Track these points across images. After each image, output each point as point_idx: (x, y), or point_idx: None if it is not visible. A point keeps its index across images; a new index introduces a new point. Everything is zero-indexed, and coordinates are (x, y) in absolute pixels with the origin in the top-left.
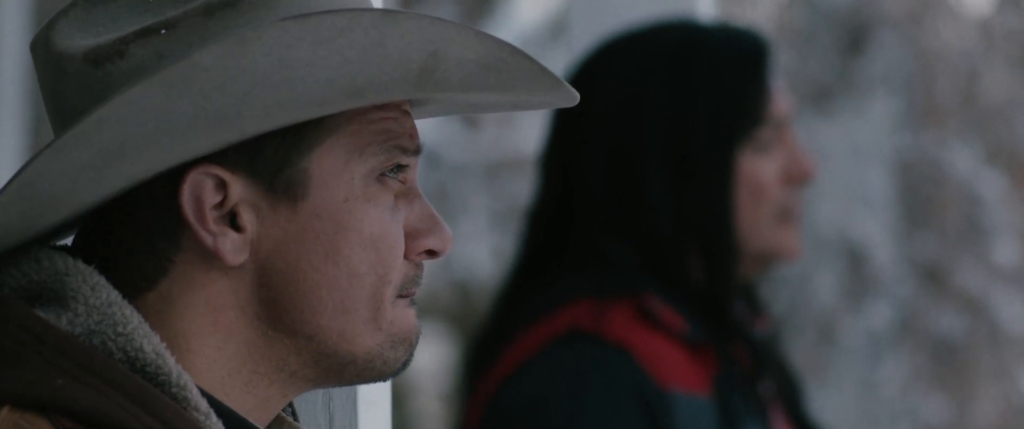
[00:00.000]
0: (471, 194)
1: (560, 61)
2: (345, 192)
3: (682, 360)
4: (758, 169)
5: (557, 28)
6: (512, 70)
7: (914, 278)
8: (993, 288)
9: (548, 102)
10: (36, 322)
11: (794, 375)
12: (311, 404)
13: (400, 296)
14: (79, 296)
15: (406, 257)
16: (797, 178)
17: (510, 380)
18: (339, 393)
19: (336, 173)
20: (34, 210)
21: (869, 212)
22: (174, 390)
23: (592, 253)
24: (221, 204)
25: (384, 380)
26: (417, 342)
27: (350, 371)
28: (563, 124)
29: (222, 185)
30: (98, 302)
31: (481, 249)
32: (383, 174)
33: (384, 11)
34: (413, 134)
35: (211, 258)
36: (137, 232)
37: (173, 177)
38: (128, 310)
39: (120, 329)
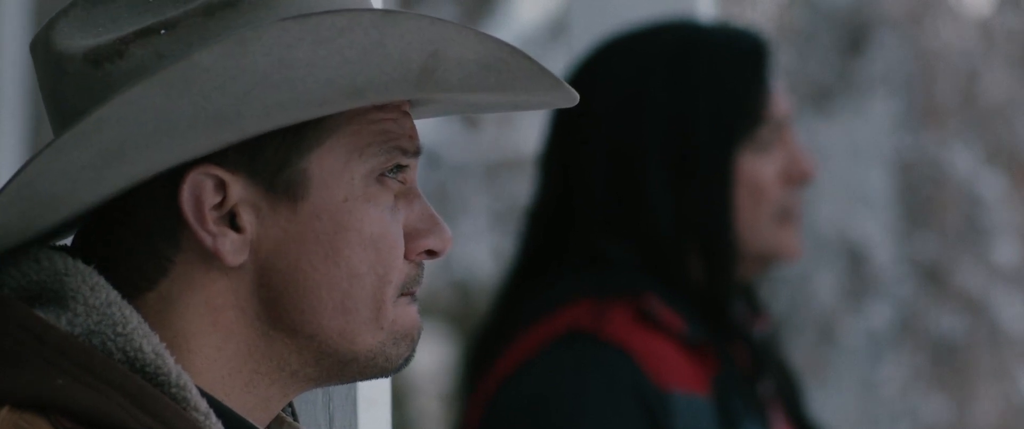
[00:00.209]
0: (471, 194)
1: (560, 61)
2: (345, 192)
3: (682, 360)
4: (758, 169)
5: (557, 28)
6: (512, 70)
7: (914, 278)
8: (993, 288)
9: (548, 102)
10: (36, 322)
11: (794, 375)
12: (311, 404)
13: (402, 294)
14: (79, 296)
15: (406, 257)
16: (797, 178)
17: (510, 380)
18: (339, 393)
19: (336, 173)
20: (34, 210)
21: (869, 212)
22: (173, 390)
23: (592, 253)
24: (221, 204)
25: (386, 376)
26: (419, 338)
27: (351, 369)
28: (563, 124)
29: (222, 185)
30: (97, 302)
31: (481, 249)
32: (383, 174)
33: (384, 11)
34: (413, 135)
35: (211, 258)
36: (137, 232)
37: (173, 177)
38: (128, 310)
39: (120, 329)
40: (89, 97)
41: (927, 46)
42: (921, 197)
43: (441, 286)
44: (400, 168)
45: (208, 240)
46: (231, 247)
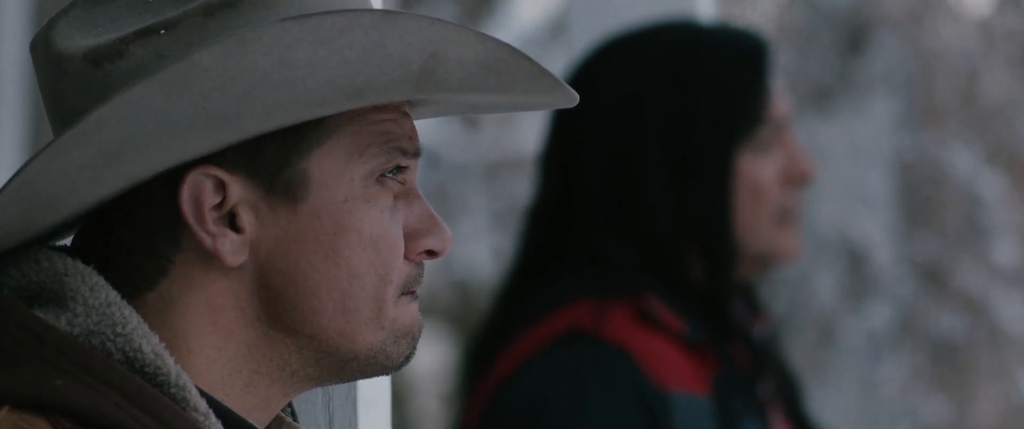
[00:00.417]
0: (471, 194)
1: (560, 61)
2: (345, 193)
3: (681, 361)
4: (758, 170)
5: (557, 28)
6: (512, 71)
7: (914, 278)
8: (993, 288)
9: (548, 103)
10: (35, 322)
11: (794, 375)
12: (311, 404)
13: (403, 293)
14: (78, 296)
15: (406, 257)
16: (797, 179)
17: (510, 380)
18: (339, 393)
19: (336, 174)
20: (34, 210)
21: (869, 212)
22: (173, 390)
23: (592, 253)
24: (220, 205)
25: (387, 374)
26: (419, 336)
27: (352, 367)
28: (563, 124)
29: (221, 186)
30: (97, 302)
31: (481, 249)
32: (383, 175)
33: (384, 12)
34: (413, 136)
35: (211, 259)
36: (137, 232)
37: (173, 177)
38: (127, 310)
39: (119, 329)
40: (89, 97)
41: (927, 46)
42: (921, 197)
43: (441, 286)
44: (400, 169)
45: (208, 240)
46: (231, 247)
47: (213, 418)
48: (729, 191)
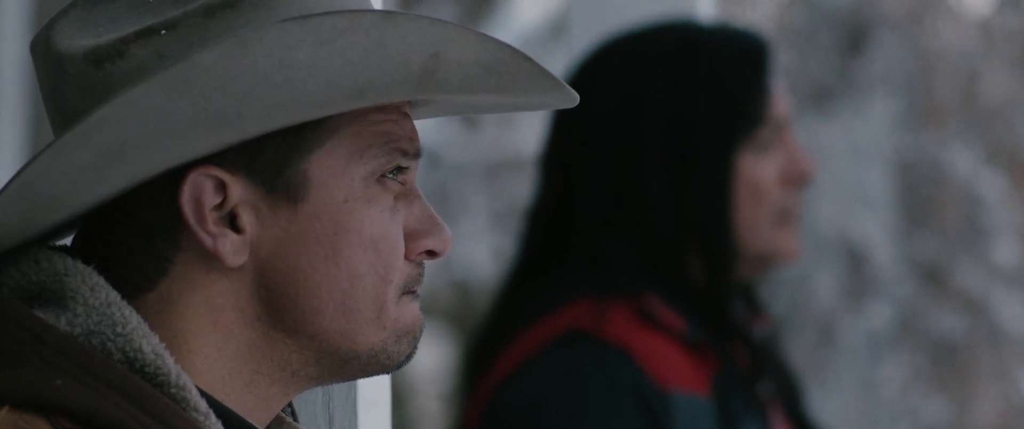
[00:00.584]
0: (471, 194)
1: (560, 61)
2: (345, 193)
3: (682, 360)
4: (758, 170)
5: (557, 28)
6: (512, 72)
7: (914, 278)
8: (993, 288)
9: (548, 103)
10: (36, 322)
11: (794, 375)
12: (311, 404)
13: (404, 293)
14: (78, 296)
15: (407, 258)
16: (797, 179)
17: (510, 380)
18: (339, 393)
19: (336, 174)
20: (34, 210)
21: (869, 212)
22: (173, 390)
23: (592, 253)
24: (221, 205)
25: (387, 373)
26: (421, 335)
27: (353, 366)
28: (563, 124)
29: (222, 186)
30: (97, 302)
31: (481, 249)
32: (383, 176)
33: (384, 12)
34: (413, 136)
35: (211, 259)
36: (137, 232)
37: (173, 178)
38: (127, 310)
39: (119, 329)
40: (89, 97)
41: (927, 46)
42: (921, 197)
43: (441, 286)
44: (400, 170)
45: (208, 241)
46: (231, 248)
47: (213, 418)
48: (729, 191)
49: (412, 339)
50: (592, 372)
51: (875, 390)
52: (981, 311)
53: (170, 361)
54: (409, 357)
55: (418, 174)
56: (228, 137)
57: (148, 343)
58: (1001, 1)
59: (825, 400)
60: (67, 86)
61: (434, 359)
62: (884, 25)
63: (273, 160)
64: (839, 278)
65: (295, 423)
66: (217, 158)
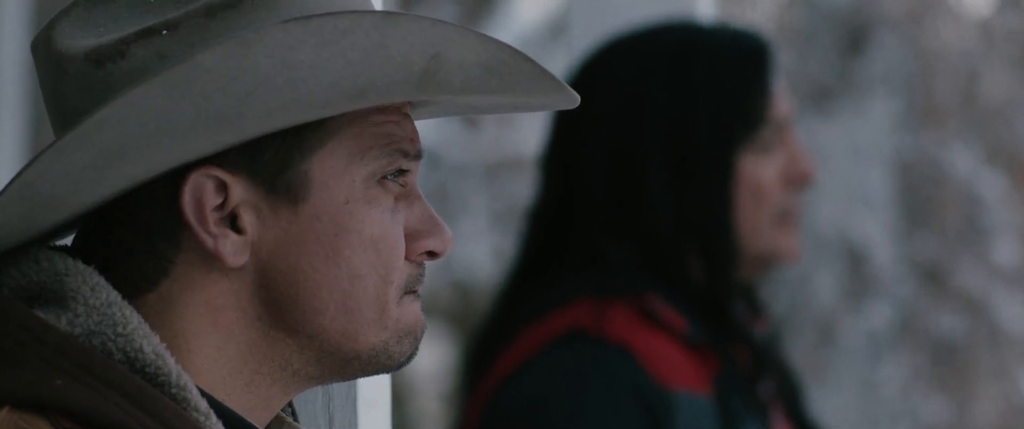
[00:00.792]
0: (471, 194)
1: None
2: (346, 194)
3: (683, 360)
4: (759, 170)
5: (557, 28)
6: (513, 72)
7: (914, 278)
8: (993, 288)
9: (548, 104)
10: (36, 322)
11: (794, 375)
12: (311, 404)
13: (405, 293)
14: (79, 296)
15: (407, 258)
16: (797, 180)
17: (510, 380)
18: (339, 393)
19: (337, 175)
20: (34, 211)
21: (869, 212)
22: (174, 390)
23: (592, 253)
24: (222, 206)
25: (388, 372)
26: (422, 335)
27: (353, 366)
28: (564, 125)
29: (223, 187)
30: (98, 302)
31: (481, 249)
32: (384, 177)
33: (385, 13)
34: (414, 138)
35: (211, 259)
36: (137, 232)
37: (174, 178)
38: (128, 310)
39: (120, 329)
40: (90, 97)
41: (927, 46)
42: (921, 197)
43: (441, 286)
44: (401, 172)
45: (209, 241)
46: (232, 248)
47: (214, 418)
48: (730, 191)
49: (413, 340)
50: (592, 372)
51: (875, 390)
52: (981, 311)
53: (171, 361)
54: (410, 358)
55: (418, 174)
56: (229, 138)
57: (149, 343)
58: (1001, 1)
59: (825, 400)
60: (68, 86)
61: (434, 359)
62: (884, 25)
63: (274, 161)
64: (839, 278)
65: (295, 423)
66: (218, 159)
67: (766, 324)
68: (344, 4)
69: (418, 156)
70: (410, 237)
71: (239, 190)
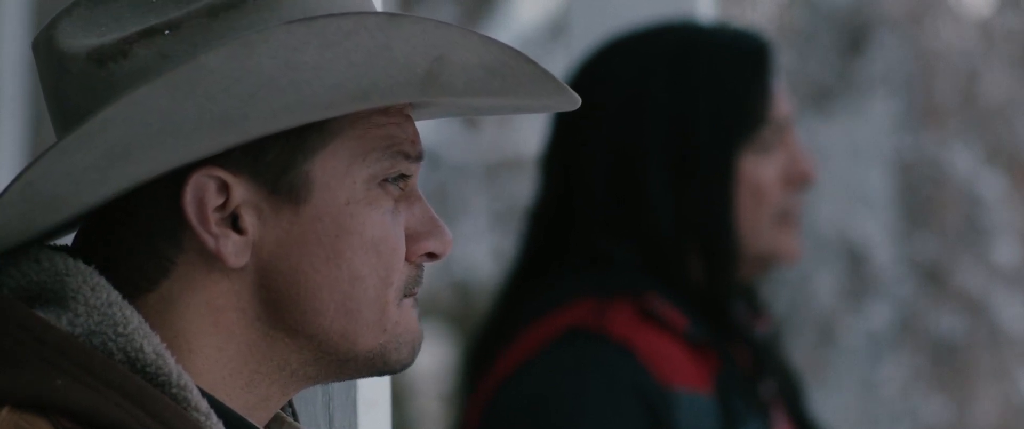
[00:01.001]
0: (471, 194)
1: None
2: (347, 196)
3: (684, 359)
4: (759, 171)
5: (557, 28)
6: (516, 75)
7: (914, 278)
8: (993, 288)
9: (550, 106)
10: (36, 322)
11: (795, 375)
12: (311, 404)
13: (404, 296)
14: (79, 296)
15: (407, 259)
16: (798, 180)
17: (510, 380)
18: (339, 393)
19: (339, 177)
20: (35, 211)
21: (869, 212)
22: (174, 390)
23: (592, 253)
24: (223, 206)
25: (383, 375)
26: (419, 347)
27: (350, 367)
28: (564, 125)
29: (225, 187)
30: (98, 302)
31: (481, 249)
32: (385, 180)
33: (389, 15)
34: (415, 140)
35: (212, 259)
36: (138, 232)
37: (176, 178)
38: (128, 311)
39: (120, 329)
40: (92, 97)
41: (927, 46)
42: (921, 197)
43: (441, 286)
44: (402, 177)
45: (210, 242)
46: (233, 249)
47: (214, 418)
48: (730, 191)
49: (411, 350)
50: (592, 371)
51: (875, 390)
52: (981, 311)
53: (171, 361)
54: (406, 366)
55: (419, 175)
56: (232, 138)
57: (149, 343)
58: (1001, 1)
59: (825, 400)
60: (69, 85)
61: (434, 359)
62: (884, 25)
63: (276, 161)
64: (839, 278)
65: (295, 423)
66: (220, 159)
67: (767, 324)
68: (346, 5)
69: (419, 158)
70: (410, 238)
71: (241, 190)
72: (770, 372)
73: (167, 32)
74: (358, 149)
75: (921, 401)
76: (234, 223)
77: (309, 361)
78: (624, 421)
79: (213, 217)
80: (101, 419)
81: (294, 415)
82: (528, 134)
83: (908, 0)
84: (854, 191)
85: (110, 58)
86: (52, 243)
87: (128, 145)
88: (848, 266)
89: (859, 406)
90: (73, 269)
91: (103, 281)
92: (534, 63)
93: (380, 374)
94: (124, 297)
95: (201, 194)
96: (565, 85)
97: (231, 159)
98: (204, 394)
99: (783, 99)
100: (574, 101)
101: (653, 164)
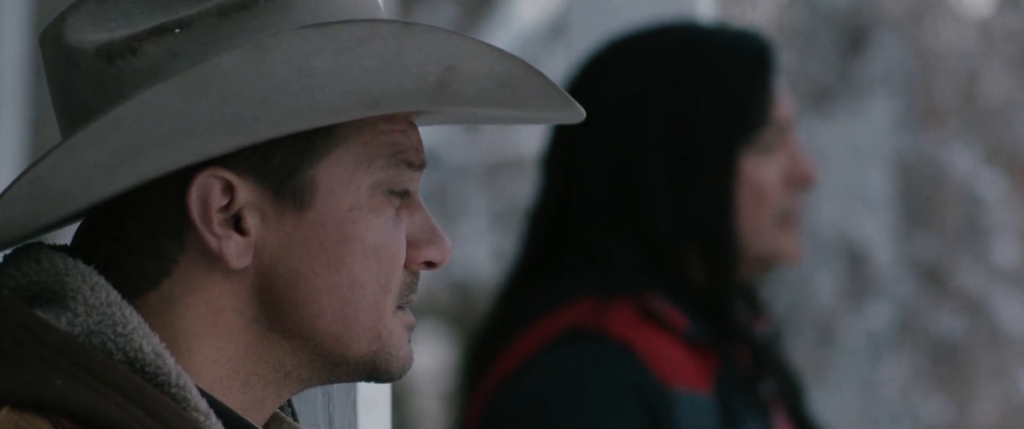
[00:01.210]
0: (471, 195)
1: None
2: (350, 202)
3: (685, 358)
4: (760, 171)
5: (557, 28)
6: (525, 87)
7: (914, 278)
8: (993, 288)
9: (554, 118)
10: (36, 322)
11: (796, 375)
12: (311, 404)
13: (398, 306)
14: (79, 296)
15: (405, 266)
16: (798, 181)
17: (510, 380)
18: (339, 394)
19: (343, 182)
20: (42, 206)
21: (869, 212)
22: (173, 390)
23: (593, 253)
24: (227, 206)
25: (369, 382)
26: (408, 367)
27: (340, 371)
28: (565, 125)
29: (229, 188)
30: (97, 302)
31: (481, 250)
32: (389, 190)
33: (403, 23)
34: (419, 148)
35: (214, 260)
36: (142, 230)
37: (181, 177)
38: (128, 310)
39: (119, 329)
40: (101, 93)
41: (927, 46)
42: (921, 197)
43: (441, 286)
44: (406, 193)
45: (213, 242)
46: (235, 250)
47: (213, 418)
48: (730, 192)
49: (401, 365)
50: (592, 371)
51: (875, 390)
52: (981, 311)
53: (170, 361)
54: (393, 378)
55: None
56: (242, 140)
57: (148, 343)
58: (1001, 1)
59: (825, 400)
60: (78, 80)
61: (434, 359)
62: (884, 25)
63: (282, 165)
64: (839, 278)
65: (295, 423)
66: (226, 160)
67: (767, 324)
68: (355, 10)
69: (422, 166)
70: (410, 246)
71: (245, 192)
72: (770, 372)
73: (177, 30)
74: (363, 156)
75: (921, 401)
76: (237, 224)
77: (303, 363)
78: (624, 421)
79: (217, 217)
80: (101, 419)
81: (294, 415)
82: (528, 134)
83: (908, 0)
84: (854, 191)
85: (119, 54)
86: (52, 243)
87: (139, 143)
88: (848, 266)
89: (859, 406)
90: (72, 269)
91: (102, 281)
92: (543, 76)
93: (367, 380)
94: (125, 296)
95: (206, 194)
96: (572, 99)
97: (237, 160)
98: (203, 394)
99: (784, 100)
100: (579, 115)
101: (653, 164)
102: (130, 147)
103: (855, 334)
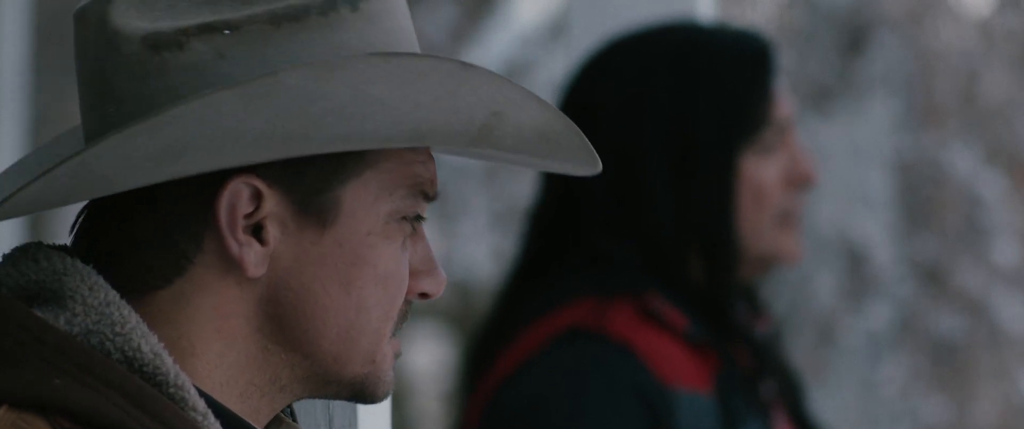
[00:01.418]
0: (471, 195)
1: (560, 61)
2: (369, 226)
3: (685, 358)
4: (760, 171)
5: (557, 28)
6: (561, 142)
7: (914, 278)
8: (993, 288)
9: (574, 171)
10: (35, 322)
11: (796, 375)
12: (311, 404)
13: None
14: (77, 296)
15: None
16: (799, 181)
17: (510, 380)
18: None
19: (366, 206)
20: (76, 188)
21: (869, 212)
22: (171, 390)
23: (593, 253)
24: (251, 214)
25: (354, 402)
26: (389, 391)
27: (331, 388)
28: None
29: (257, 196)
30: (96, 302)
31: (481, 249)
32: (404, 218)
33: (462, 63)
34: (434, 180)
35: (230, 265)
36: (156, 226)
37: (210, 178)
38: (126, 310)
39: (118, 329)
40: (141, 81)
41: (927, 46)
42: (921, 197)
43: None
44: (419, 218)
45: (235, 248)
46: (255, 259)
47: (212, 418)
48: (731, 192)
49: (385, 393)
50: (592, 371)
51: (875, 390)
52: (981, 311)
53: (168, 361)
54: (378, 400)
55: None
56: (287, 154)
57: (147, 343)
58: (1001, 1)
59: (825, 400)
60: (117, 65)
61: (434, 359)
62: (884, 25)
63: (313, 181)
64: (839, 278)
65: (294, 424)
66: (260, 168)
67: (767, 324)
68: (400, 35)
69: (435, 198)
70: (410, 276)
71: (272, 203)
72: (770, 372)
73: (226, 32)
74: (387, 183)
75: (921, 401)
76: (256, 233)
77: (299, 378)
78: (624, 421)
79: (241, 224)
80: (100, 419)
81: (293, 416)
82: None
83: (908, 0)
84: (854, 191)
85: (165, 46)
86: (51, 242)
87: (188, 143)
88: (848, 266)
89: (859, 406)
90: (71, 268)
91: (101, 280)
92: (581, 135)
93: (351, 400)
94: (129, 292)
95: (235, 200)
96: (596, 155)
97: (270, 171)
98: (202, 394)
99: (784, 100)
100: (597, 167)
101: (653, 164)
102: (179, 145)
103: (855, 334)
